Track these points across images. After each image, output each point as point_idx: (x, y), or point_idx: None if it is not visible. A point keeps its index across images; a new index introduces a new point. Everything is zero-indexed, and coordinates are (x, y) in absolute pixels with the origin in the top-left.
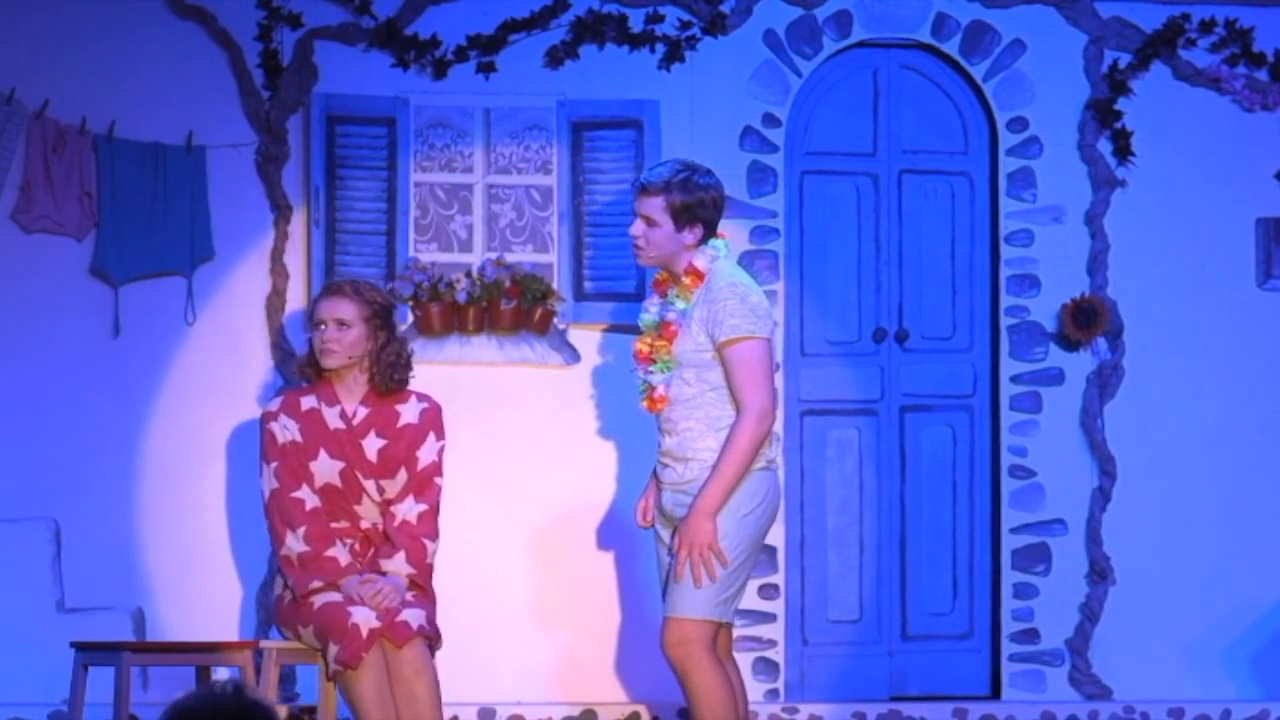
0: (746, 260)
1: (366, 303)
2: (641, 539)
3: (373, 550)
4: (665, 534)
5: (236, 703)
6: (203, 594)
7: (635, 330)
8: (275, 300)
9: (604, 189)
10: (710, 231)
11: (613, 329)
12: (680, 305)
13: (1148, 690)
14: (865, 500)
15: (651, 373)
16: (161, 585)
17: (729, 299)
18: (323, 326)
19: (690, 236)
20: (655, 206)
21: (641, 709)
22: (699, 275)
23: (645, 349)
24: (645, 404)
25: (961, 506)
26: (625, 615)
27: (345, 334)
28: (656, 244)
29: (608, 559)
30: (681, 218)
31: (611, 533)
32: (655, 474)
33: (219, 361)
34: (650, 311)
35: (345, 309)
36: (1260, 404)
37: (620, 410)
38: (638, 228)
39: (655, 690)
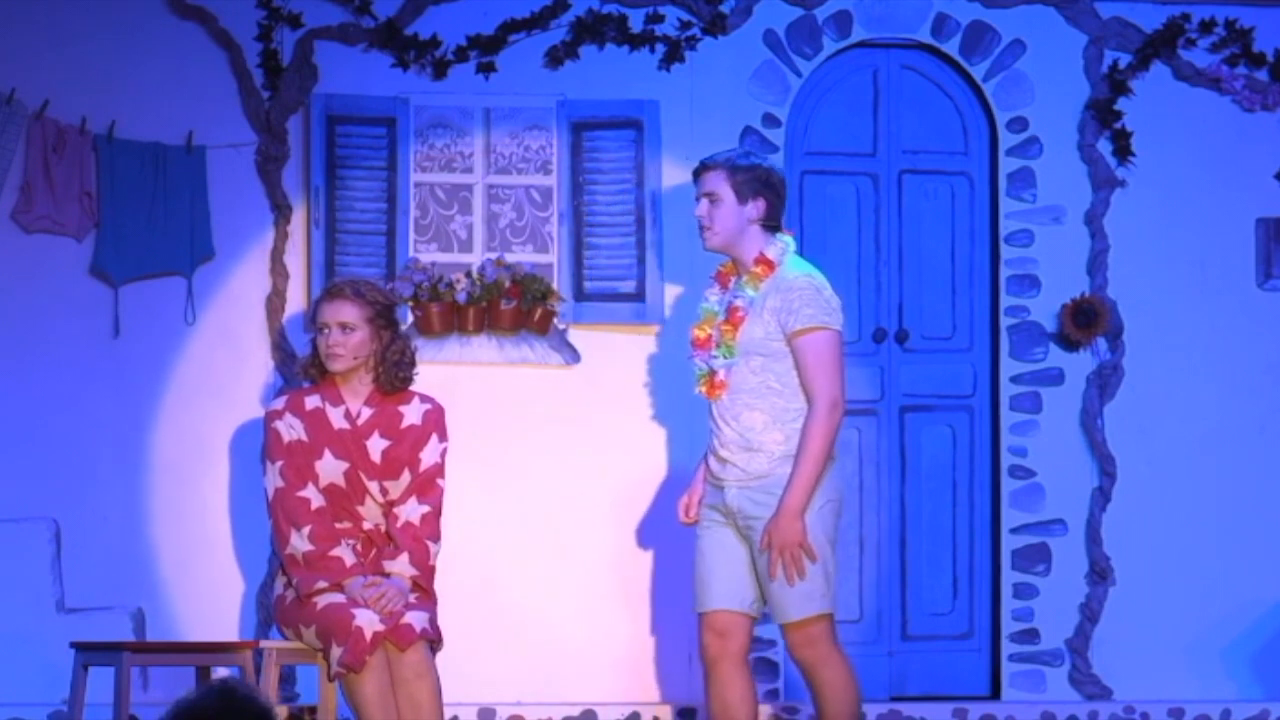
0: None
1: (369, 303)
2: (642, 538)
3: (375, 551)
4: (724, 533)
5: (223, 704)
6: (203, 594)
7: (635, 330)
8: (275, 300)
9: (604, 189)
10: (772, 214)
11: (613, 329)
12: (749, 292)
13: (1148, 690)
14: (865, 500)
15: (714, 358)
16: (161, 585)
17: (805, 289)
18: (326, 330)
19: (754, 211)
20: (718, 179)
21: (641, 709)
22: (770, 264)
23: (703, 335)
24: (703, 389)
25: (961, 506)
26: (625, 615)
27: (350, 337)
28: (722, 220)
29: (608, 559)
30: (744, 190)
31: (612, 532)
32: (705, 466)
33: (219, 361)
34: (710, 300)
35: (348, 312)
36: (1260, 404)
37: (621, 410)
38: (702, 207)
39: (655, 690)
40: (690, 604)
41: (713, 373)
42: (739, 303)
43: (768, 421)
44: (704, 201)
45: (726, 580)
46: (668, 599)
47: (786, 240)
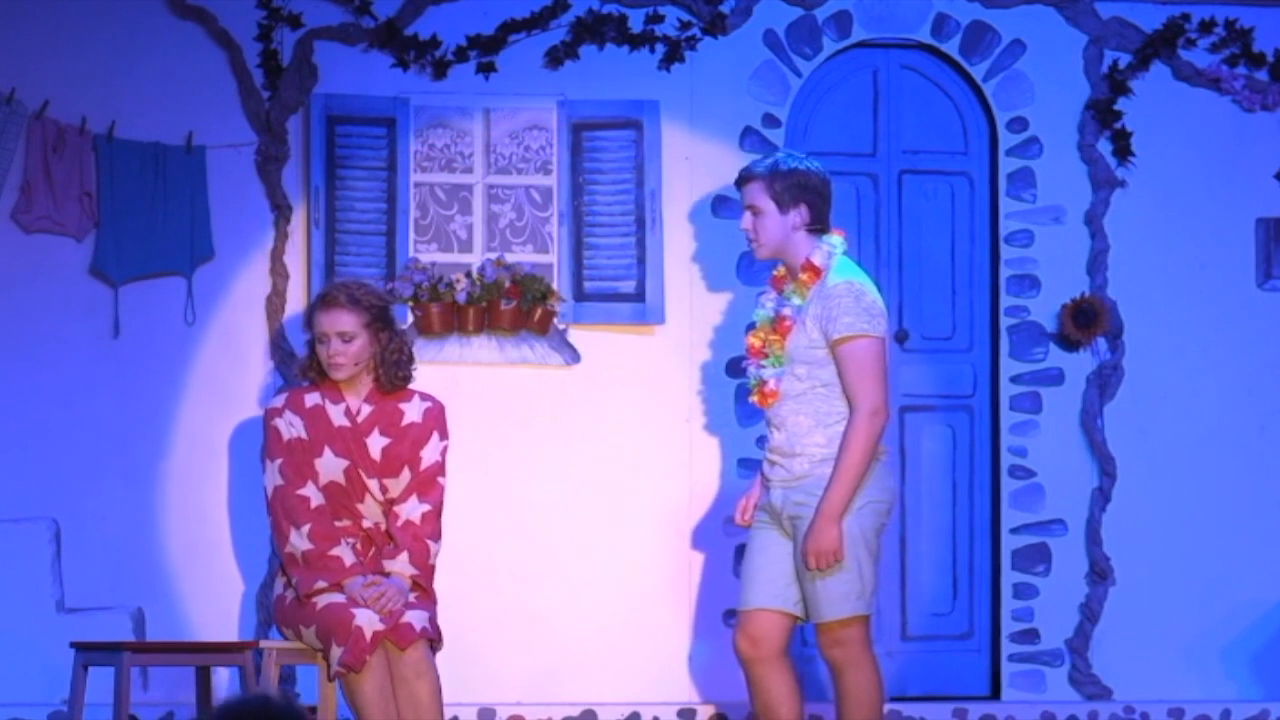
0: (747, 261)
1: (365, 309)
2: (641, 538)
3: (374, 550)
4: (771, 533)
5: (287, 711)
6: (203, 594)
7: (635, 330)
8: (275, 300)
9: (604, 189)
10: (818, 218)
11: (613, 329)
12: (796, 301)
13: (1148, 690)
14: None
15: (763, 367)
16: (161, 585)
17: (844, 297)
18: (325, 341)
19: (797, 218)
20: (757, 191)
21: (641, 709)
22: (816, 271)
23: (757, 343)
24: (755, 398)
25: (961, 506)
26: (625, 615)
27: (350, 346)
28: (766, 231)
29: (607, 559)
30: (784, 199)
31: (612, 533)
32: (761, 472)
33: (219, 361)
34: (765, 307)
35: (346, 321)
36: (1260, 404)
37: (621, 411)
38: (746, 220)
39: (655, 690)
40: (689, 604)
41: (763, 381)
42: (786, 311)
43: (812, 425)
44: (747, 214)
45: (767, 580)
46: (668, 599)
47: (834, 242)
